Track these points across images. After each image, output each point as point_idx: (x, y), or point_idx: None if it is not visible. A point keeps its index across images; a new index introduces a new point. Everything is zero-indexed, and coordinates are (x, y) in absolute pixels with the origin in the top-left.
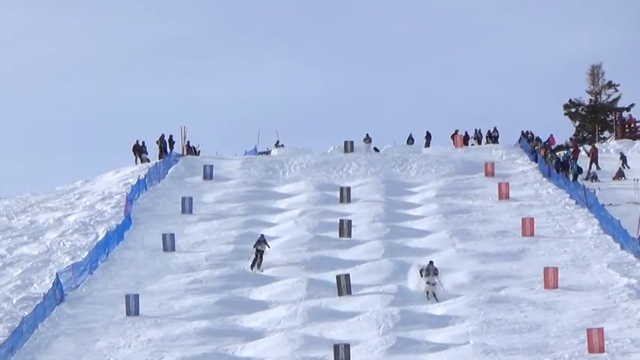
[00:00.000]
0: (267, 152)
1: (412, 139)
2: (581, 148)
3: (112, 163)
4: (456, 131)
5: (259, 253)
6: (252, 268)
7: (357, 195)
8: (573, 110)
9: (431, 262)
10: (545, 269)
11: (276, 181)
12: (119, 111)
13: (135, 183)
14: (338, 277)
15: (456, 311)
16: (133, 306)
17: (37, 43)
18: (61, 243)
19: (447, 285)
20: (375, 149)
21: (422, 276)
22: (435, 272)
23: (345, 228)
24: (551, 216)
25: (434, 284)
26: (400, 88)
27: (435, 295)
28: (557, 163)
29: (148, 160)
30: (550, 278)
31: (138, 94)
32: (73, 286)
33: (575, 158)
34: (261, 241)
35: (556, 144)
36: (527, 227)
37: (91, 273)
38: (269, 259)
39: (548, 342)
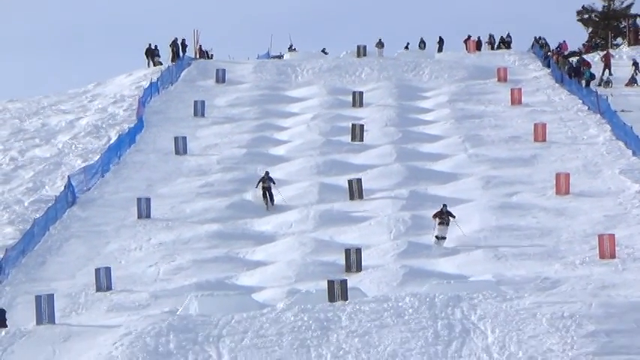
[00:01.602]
0: (280, 56)
1: (424, 42)
2: (588, 57)
3: (124, 66)
4: (469, 36)
5: (266, 191)
6: (266, 206)
7: (370, 99)
8: (586, 17)
9: (444, 205)
10: (557, 175)
11: (288, 85)
12: (132, 14)
13: (147, 86)
14: (350, 182)
15: (467, 216)
16: (144, 209)
17: None
18: (73, 146)
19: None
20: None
21: (435, 221)
22: (450, 215)
23: (357, 132)
24: (563, 122)
25: (443, 238)
26: None
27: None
28: (570, 69)
29: (161, 64)
30: (562, 184)
31: None
32: (85, 188)
33: (588, 66)
34: (266, 178)
35: (568, 50)
36: (540, 133)
37: (103, 176)
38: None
39: (559, 248)
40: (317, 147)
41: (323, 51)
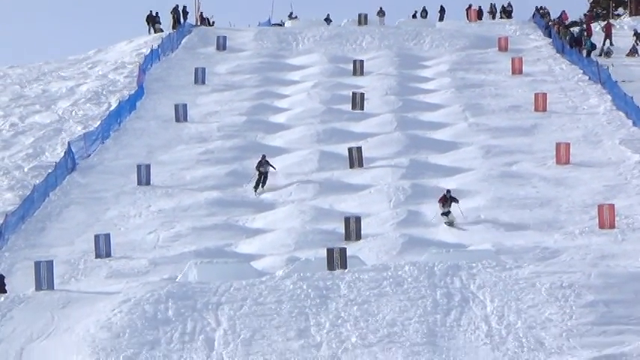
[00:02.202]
0: (281, 24)
1: (426, 11)
2: (593, 25)
3: (125, 33)
4: (470, 5)
5: (262, 175)
6: (255, 190)
7: (370, 68)
8: None
9: (448, 191)
10: (557, 145)
11: (289, 52)
12: None
13: (148, 53)
14: (350, 150)
15: (467, 185)
16: (144, 176)
17: None
18: (74, 112)
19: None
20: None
21: (440, 205)
22: (453, 200)
23: (357, 100)
24: (564, 91)
25: (450, 222)
26: None
27: (451, 223)
28: (571, 39)
29: (162, 31)
30: (562, 154)
31: None
32: (85, 155)
33: (590, 35)
34: (263, 162)
35: (569, 20)
36: (540, 102)
37: (103, 142)
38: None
39: (559, 217)
40: (317, 115)
41: (327, 18)
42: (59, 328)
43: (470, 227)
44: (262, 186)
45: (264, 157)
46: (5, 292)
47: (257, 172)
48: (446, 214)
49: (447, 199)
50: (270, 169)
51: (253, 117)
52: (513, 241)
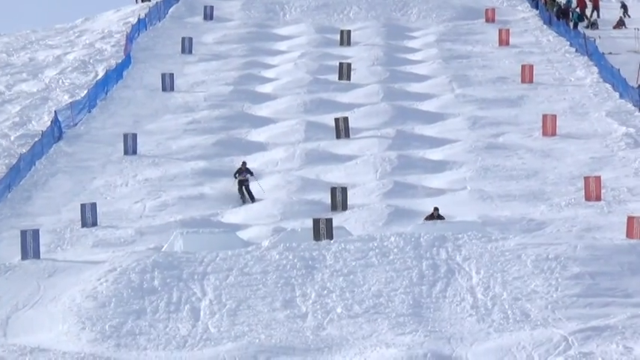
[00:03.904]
0: None
1: None
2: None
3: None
4: None
5: (242, 185)
6: (243, 201)
7: (357, 38)
8: None
9: (436, 209)
10: (544, 116)
11: (276, 22)
12: None
13: (135, 22)
14: (336, 120)
15: (453, 156)
16: (130, 145)
17: None
18: (60, 81)
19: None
20: None
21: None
22: (441, 219)
23: (344, 71)
24: (550, 63)
25: None
26: None
27: None
28: (558, 11)
29: (149, 0)
30: (548, 125)
31: None
32: (72, 124)
33: (582, 8)
34: (243, 169)
35: None
36: (527, 74)
37: (90, 111)
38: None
39: (545, 189)
40: (304, 85)
41: None
42: (45, 298)
43: (456, 198)
44: (250, 199)
45: (244, 164)
46: None
47: (236, 182)
48: None
49: (435, 218)
50: (249, 176)
51: (240, 87)
52: (499, 212)
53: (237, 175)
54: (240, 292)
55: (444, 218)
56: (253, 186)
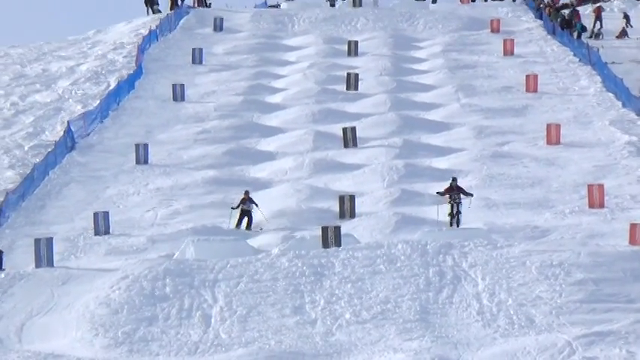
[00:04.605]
0: (277, 6)
1: None
2: (583, 8)
3: (124, 13)
4: None
5: (246, 214)
6: (237, 227)
7: (365, 49)
8: None
9: (454, 179)
10: (548, 125)
11: (285, 33)
12: None
13: (146, 33)
14: (344, 130)
15: (459, 165)
16: (142, 155)
17: None
18: (73, 91)
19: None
20: None
21: (447, 199)
22: (463, 192)
23: (352, 81)
24: (554, 73)
25: (458, 212)
26: None
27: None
28: (562, 22)
29: (160, 12)
30: (552, 134)
31: None
32: (84, 134)
33: (578, 19)
34: (246, 199)
35: (560, 2)
36: (531, 83)
37: (102, 122)
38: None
39: (550, 197)
40: (312, 95)
41: None
42: (59, 305)
43: (462, 206)
44: (248, 227)
45: (247, 193)
46: (2, 268)
47: (239, 211)
48: (455, 215)
49: (454, 191)
50: (253, 207)
51: (250, 97)
52: (504, 220)
53: (240, 204)
54: (250, 298)
55: (462, 189)
56: (255, 215)
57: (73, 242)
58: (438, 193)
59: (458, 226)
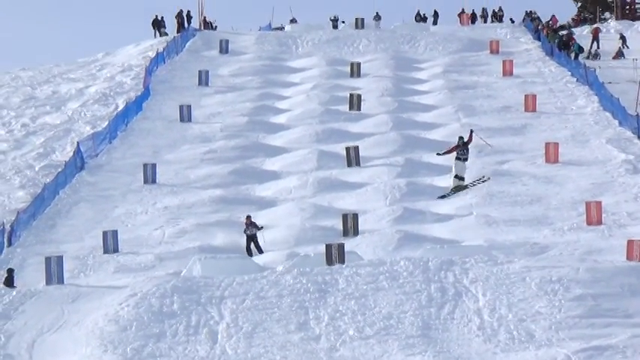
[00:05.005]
0: (281, 28)
1: (420, 15)
2: (581, 29)
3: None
4: (463, 10)
5: (251, 239)
6: (249, 254)
7: (367, 70)
8: None
9: (460, 138)
10: (547, 144)
11: (289, 55)
12: None
13: (154, 56)
14: (347, 149)
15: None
16: (150, 174)
17: None
18: (82, 113)
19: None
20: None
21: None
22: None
23: (354, 101)
24: (552, 93)
25: (462, 178)
26: None
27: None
28: (560, 43)
29: (167, 34)
30: (551, 153)
31: None
32: (93, 154)
33: (573, 42)
34: (248, 224)
35: (558, 24)
36: (530, 103)
37: (111, 142)
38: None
39: (548, 214)
40: (316, 116)
41: (334, 19)
42: (69, 322)
43: (463, 223)
44: (259, 251)
45: (248, 218)
46: (14, 286)
47: (246, 238)
48: (460, 179)
49: (459, 147)
50: (255, 230)
51: (255, 117)
52: (505, 236)
53: (246, 231)
54: (256, 315)
55: (467, 148)
56: (260, 238)
57: (83, 260)
58: (438, 154)
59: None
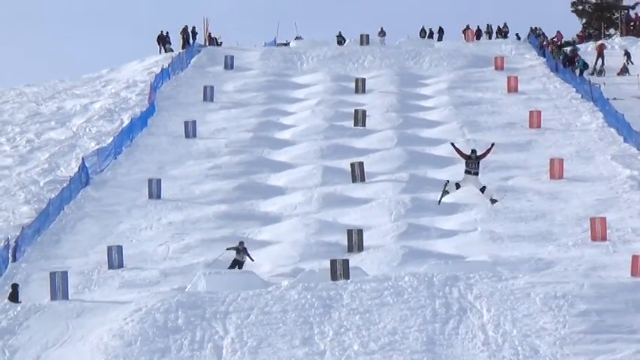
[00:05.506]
0: (286, 44)
1: (425, 31)
2: (582, 46)
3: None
4: (467, 26)
5: (237, 264)
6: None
7: (372, 86)
8: (580, 8)
9: (473, 151)
10: (551, 160)
11: (294, 71)
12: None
13: (159, 72)
14: (352, 165)
15: (464, 199)
16: (155, 190)
17: None
18: (87, 128)
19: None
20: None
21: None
22: (479, 159)
23: (359, 117)
24: (557, 109)
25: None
26: None
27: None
28: (565, 59)
29: (172, 50)
30: (556, 169)
31: None
32: (98, 170)
33: (577, 58)
34: (240, 249)
35: (563, 40)
36: (535, 119)
37: (116, 158)
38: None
39: (553, 230)
40: (321, 131)
41: (340, 35)
42: (74, 337)
43: (467, 239)
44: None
45: (241, 243)
46: (19, 301)
47: (232, 260)
48: (481, 190)
49: (471, 159)
50: (248, 259)
51: (260, 133)
52: (509, 252)
53: (235, 252)
54: (260, 330)
55: (478, 163)
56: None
57: (88, 276)
58: (452, 144)
59: (483, 192)
